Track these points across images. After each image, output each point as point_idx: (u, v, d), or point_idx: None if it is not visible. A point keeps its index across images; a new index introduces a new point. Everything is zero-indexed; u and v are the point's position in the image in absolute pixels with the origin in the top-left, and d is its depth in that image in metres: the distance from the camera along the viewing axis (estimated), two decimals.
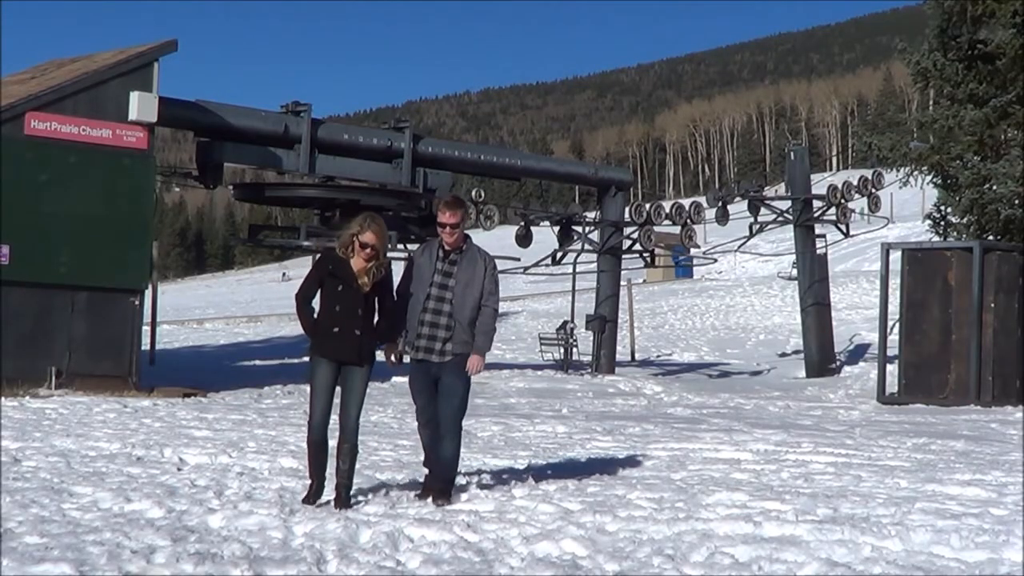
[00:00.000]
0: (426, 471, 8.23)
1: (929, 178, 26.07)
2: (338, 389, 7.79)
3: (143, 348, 18.83)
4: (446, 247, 8.07)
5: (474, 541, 6.69)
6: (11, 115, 17.29)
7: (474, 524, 7.12)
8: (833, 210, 27.72)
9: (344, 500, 7.69)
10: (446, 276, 7.99)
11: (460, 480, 8.81)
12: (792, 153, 28.76)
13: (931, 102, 40.17)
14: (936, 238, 25.32)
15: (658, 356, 31.01)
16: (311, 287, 7.83)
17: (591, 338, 26.16)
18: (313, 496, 7.74)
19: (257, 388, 19.07)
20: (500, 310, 8.91)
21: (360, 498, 8.02)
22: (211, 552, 6.26)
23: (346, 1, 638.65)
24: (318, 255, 8.01)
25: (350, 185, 22.50)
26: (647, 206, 27.28)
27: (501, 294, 8.40)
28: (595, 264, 26.96)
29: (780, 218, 28.19)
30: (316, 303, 7.90)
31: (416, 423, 8.30)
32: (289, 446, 10.95)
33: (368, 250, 7.66)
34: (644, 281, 48.01)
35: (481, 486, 8.60)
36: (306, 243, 21.99)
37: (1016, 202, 23.66)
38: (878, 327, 21.65)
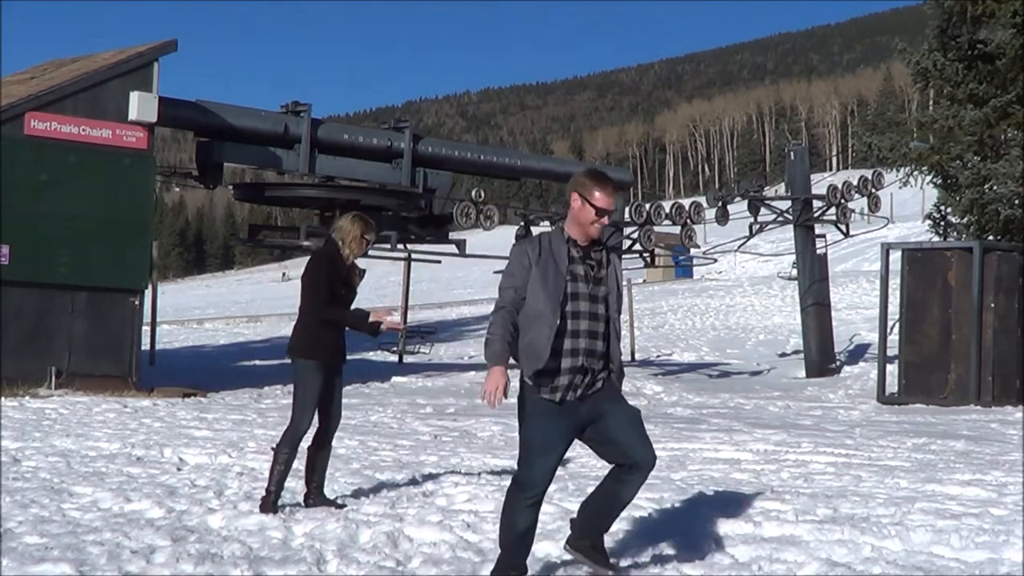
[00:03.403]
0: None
1: (929, 178, 26.05)
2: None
3: (143, 348, 18.85)
4: (582, 242, 5.49)
5: (474, 541, 6.69)
6: (11, 115, 17.30)
7: (474, 524, 7.11)
8: (833, 210, 27.68)
9: (322, 497, 7.66)
10: (596, 284, 5.48)
11: (460, 480, 8.81)
12: (792, 153, 28.70)
13: (931, 102, 40.12)
14: (936, 238, 25.30)
15: (658, 356, 30.97)
16: (330, 294, 7.54)
17: None
18: (273, 506, 7.45)
19: (257, 388, 19.08)
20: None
21: (360, 497, 8.02)
22: (211, 552, 6.26)
23: (346, 1, 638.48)
24: (313, 258, 7.79)
25: (350, 185, 22.48)
26: (647, 206, 27.23)
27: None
28: None
29: (780, 218, 28.16)
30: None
31: (517, 501, 5.53)
32: None
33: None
34: (644, 281, 47.97)
35: (481, 486, 8.59)
36: (306, 243, 21.94)
37: (1016, 202, 23.64)
38: (878, 327, 21.64)
